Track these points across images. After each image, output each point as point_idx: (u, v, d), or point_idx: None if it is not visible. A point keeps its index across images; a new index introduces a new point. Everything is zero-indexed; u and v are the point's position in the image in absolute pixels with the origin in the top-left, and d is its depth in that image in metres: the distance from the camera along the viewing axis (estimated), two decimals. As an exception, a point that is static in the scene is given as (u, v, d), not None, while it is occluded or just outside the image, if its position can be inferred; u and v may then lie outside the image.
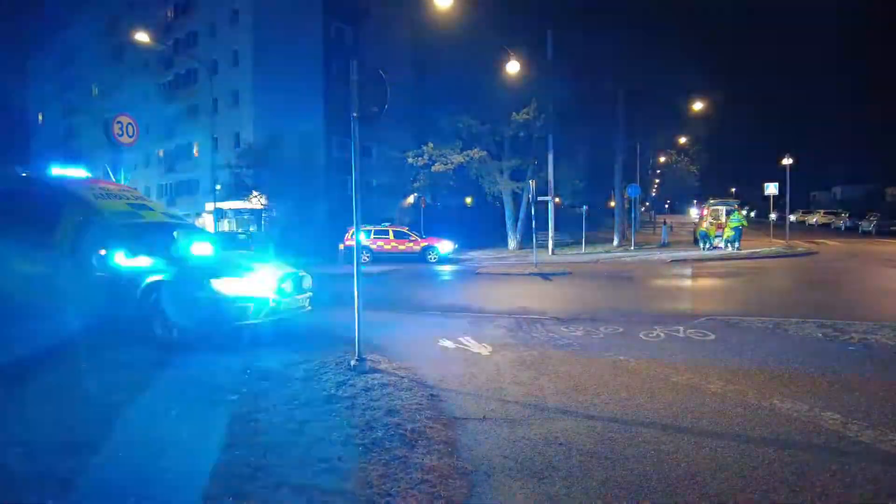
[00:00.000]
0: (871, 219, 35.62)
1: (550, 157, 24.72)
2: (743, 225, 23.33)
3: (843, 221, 42.15)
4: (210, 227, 37.27)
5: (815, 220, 48.39)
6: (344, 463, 3.46)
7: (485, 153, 27.29)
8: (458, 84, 26.01)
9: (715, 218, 24.91)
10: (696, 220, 30.98)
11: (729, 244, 22.80)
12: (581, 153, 29.96)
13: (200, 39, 43.19)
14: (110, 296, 6.75)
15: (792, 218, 37.72)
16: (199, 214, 41.88)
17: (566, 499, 3.14)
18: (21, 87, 62.62)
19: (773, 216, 30.69)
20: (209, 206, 36.55)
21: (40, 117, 67.31)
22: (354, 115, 5.53)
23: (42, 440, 3.77)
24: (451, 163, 26.57)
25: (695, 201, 68.96)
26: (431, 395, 4.94)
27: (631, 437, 3.99)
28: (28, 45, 62.39)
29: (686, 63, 26.53)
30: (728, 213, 24.95)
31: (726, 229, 23.03)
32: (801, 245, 25.28)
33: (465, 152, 26.58)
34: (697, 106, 29.92)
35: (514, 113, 25.07)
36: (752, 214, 30.01)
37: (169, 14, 46.89)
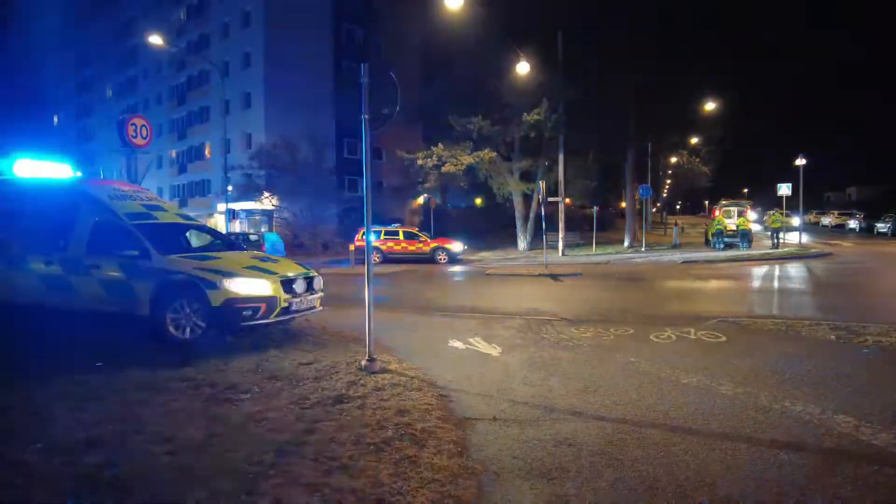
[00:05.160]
0: (887, 220, 35.10)
1: (561, 158, 24.67)
2: (749, 227, 24.22)
3: (857, 222, 41.56)
4: (222, 228, 37.57)
5: (828, 221, 47.74)
6: (355, 462, 3.49)
7: (495, 154, 27.27)
8: (469, 85, 26.04)
9: (728, 217, 25.08)
10: (708, 221, 30.91)
11: (744, 242, 23.57)
12: (592, 154, 29.86)
13: (212, 41, 43.58)
14: (123, 295, 6.84)
15: (806, 219, 37.29)
16: (210, 215, 42.23)
17: (576, 500, 3.14)
18: (37, 89, 63.48)
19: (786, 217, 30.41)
20: (221, 206, 36.84)
21: (55, 119, 68.24)
22: (365, 116, 5.57)
23: (58, 438, 3.84)
24: (461, 164, 26.58)
25: (706, 202, 68.50)
26: (441, 395, 4.97)
27: (641, 438, 3.99)
28: (43, 47, 63.21)
29: (698, 62, 26.35)
30: (740, 214, 25.09)
31: (771, 224, 25.04)
32: (815, 246, 25.02)
33: (475, 153, 26.58)
34: (710, 106, 29.69)
35: (524, 114, 25.02)
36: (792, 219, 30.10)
37: (181, 16, 47.37)
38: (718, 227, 24.68)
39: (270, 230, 33.80)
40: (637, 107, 27.00)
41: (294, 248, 29.55)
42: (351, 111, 5.78)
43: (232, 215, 39.12)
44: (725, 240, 24.47)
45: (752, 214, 29.66)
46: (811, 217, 48.54)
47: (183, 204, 45.13)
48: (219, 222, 39.60)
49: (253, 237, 25.49)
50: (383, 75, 5.67)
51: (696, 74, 26.49)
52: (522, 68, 22.02)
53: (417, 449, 3.71)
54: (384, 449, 3.68)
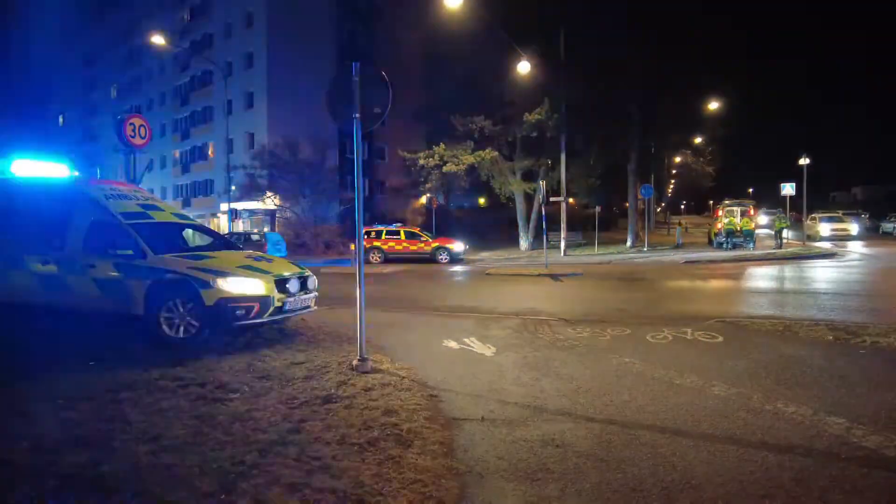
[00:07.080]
0: (893, 220, 34.88)
1: (563, 158, 24.62)
2: (753, 227, 24.42)
3: (862, 222, 41.28)
4: (224, 228, 37.68)
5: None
6: (338, 462, 3.47)
7: (497, 154, 27.26)
8: (471, 85, 26.05)
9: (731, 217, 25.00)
10: (711, 221, 30.80)
11: (749, 242, 24.19)
12: (594, 153, 29.76)
13: (216, 42, 43.70)
14: (118, 295, 6.85)
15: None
16: (213, 215, 42.37)
17: (558, 501, 3.11)
18: (41, 89, 63.83)
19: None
20: (224, 206, 36.96)
21: (61, 119, 68.59)
22: (356, 116, 5.55)
23: (47, 437, 3.84)
24: (463, 163, 26.58)
25: (711, 202, 68.20)
26: (431, 395, 4.94)
27: (629, 439, 3.95)
28: (48, 48, 63.56)
29: (702, 62, 26.21)
30: (743, 214, 24.93)
31: (777, 226, 25.21)
32: (818, 247, 24.87)
33: (476, 153, 26.57)
34: (714, 105, 29.53)
35: (526, 113, 25.00)
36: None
37: (185, 17, 47.54)
38: (729, 226, 24.46)
39: (272, 230, 33.90)
40: (640, 106, 26.89)
41: (296, 247, 29.62)
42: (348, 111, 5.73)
43: (234, 215, 39.24)
44: (735, 240, 24.33)
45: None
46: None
47: (186, 204, 45.28)
48: (221, 222, 39.71)
49: (255, 237, 25.52)
50: (375, 75, 5.64)
51: (699, 73, 26.34)
52: (524, 68, 21.98)
53: (402, 449, 3.69)
54: (368, 449, 3.66)
